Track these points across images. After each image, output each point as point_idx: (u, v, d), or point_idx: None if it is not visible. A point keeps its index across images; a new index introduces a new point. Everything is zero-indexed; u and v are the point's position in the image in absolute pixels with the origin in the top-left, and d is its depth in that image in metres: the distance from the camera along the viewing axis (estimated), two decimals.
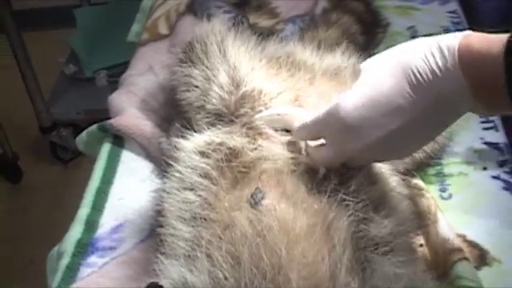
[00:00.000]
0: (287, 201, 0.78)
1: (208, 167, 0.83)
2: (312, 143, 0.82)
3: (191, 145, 0.87)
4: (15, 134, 2.61)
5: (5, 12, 2.35)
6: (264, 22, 1.38)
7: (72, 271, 0.92)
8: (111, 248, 0.95)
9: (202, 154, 0.85)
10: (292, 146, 0.85)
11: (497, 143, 1.03)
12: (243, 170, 0.82)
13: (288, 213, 0.76)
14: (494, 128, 1.06)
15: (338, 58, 1.04)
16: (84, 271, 0.92)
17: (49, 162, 2.65)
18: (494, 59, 0.66)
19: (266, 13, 1.41)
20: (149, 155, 1.09)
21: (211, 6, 1.44)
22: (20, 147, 2.62)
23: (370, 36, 1.24)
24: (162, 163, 0.98)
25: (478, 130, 1.05)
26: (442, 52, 0.70)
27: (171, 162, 0.87)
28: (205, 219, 0.78)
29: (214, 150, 0.85)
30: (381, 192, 0.81)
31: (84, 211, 1.01)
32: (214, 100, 0.91)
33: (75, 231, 0.98)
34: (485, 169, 1.00)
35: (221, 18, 1.39)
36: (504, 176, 0.98)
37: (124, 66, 2.55)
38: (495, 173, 0.99)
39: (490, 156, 1.02)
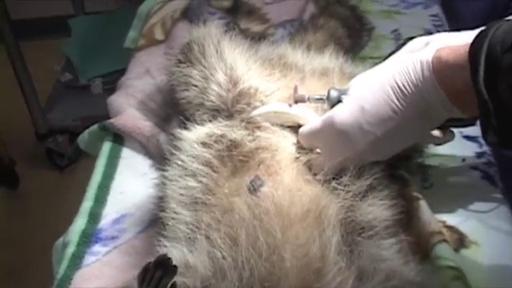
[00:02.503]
0: (284, 188, 0.84)
1: (210, 156, 0.89)
2: None
3: (193, 136, 0.93)
4: (12, 140, 2.64)
5: (3, 22, 2.39)
6: (255, 28, 1.44)
7: (77, 259, 0.97)
8: (113, 238, 1.00)
9: (204, 144, 0.91)
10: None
11: (475, 136, 1.09)
12: (243, 158, 0.89)
13: (284, 199, 0.82)
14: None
15: (326, 59, 1.10)
16: (88, 259, 0.97)
17: (45, 168, 2.68)
18: (461, 68, 0.74)
19: (257, 18, 1.47)
20: (147, 152, 1.14)
21: (204, 12, 1.49)
22: (17, 153, 2.65)
23: (355, 39, 1.30)
24: (160, 158, 1.05)
25: None
26: (419, 66, 0.79)
27: (173, 151, 0.93)
28: (205, 204, 0.84)
29: (215, 141, 0.91)
30: (367, 183, 0.88)
31: (87, 204, 1.06)
32: (212, 97, 0.97)
33: (80, 222, 1.03)
34: (464, 160, 1.06)
35: (215, 22, 1.45)
36: (482, 167, 1.04)
37: (118, 73, 2.62)
38: (474, 164, 1.05)
39: (469, 148, 1.07)
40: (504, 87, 0.69)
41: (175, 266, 0.71)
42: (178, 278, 0.72)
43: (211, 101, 0.97)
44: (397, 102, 0.81)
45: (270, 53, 1.13)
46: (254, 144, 0.90)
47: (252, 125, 0.93)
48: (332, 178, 0.86)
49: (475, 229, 0.95)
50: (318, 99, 0.93)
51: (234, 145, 0.90)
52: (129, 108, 1.20)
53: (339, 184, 0.85)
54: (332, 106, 0.89)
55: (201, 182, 0.87)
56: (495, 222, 0.96)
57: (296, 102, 0.94)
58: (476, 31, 0.75)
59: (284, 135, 0.93)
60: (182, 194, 0.87)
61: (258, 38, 1.35)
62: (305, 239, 0.79)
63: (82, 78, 2.79)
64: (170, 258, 0.72)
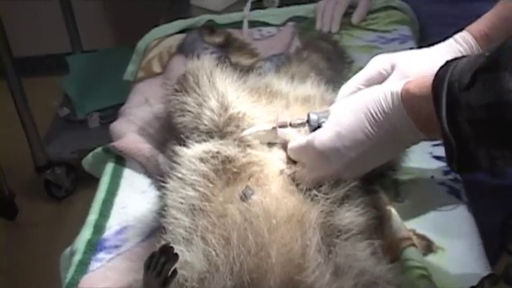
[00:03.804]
0: (271, 196, 0.96)
1: (207, 169, 1.00)
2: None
3: (192, 152, 1.03)
4: (12, 172, 2.71)
5: (6, 59, 2.47)
6: (245, 61, 1.55)
7: (84, 265, 1.06)
8: (117, 246, 1.10)
9: (201, 159, 1.02)
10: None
11: (442, 156, 1.19)
12: (236, 171, 1.00)
13: (271, 205, 0.94)
14: (441, 144, 1.23)
15: (309, 88, 1.20)
16: (94, 265, 1.07)
17: (43, 200, 2.75)
18: (426, 100, 0.84)
19: (247, 53, 1.57)
20: (147, 172, 1.24)
21: (198, 47, 1.58)
22: (16, 185, 2.71)
23: (336, 71, 1.42)
24: (159, 177, 1.15)
25: (428, 146, 1.22)
26: (390, 96, 0.90)
27: (174, 166, 1.04)
28: (202, 210, 0.95)
29: (212, 157, 1.01)
30: (343, 191, 0.99)
31: (92, 217, 1.16)
32: (205, 121, 1.07)
33: (86, 233, 1.13)
34: (432, 177, 1.17)
35: (208, 56, 1.57)
36: (448, 182, 1.15)
37: (115, 107, 2.71)
38: (441, 180, 1.16)
39: (437, 166, 1.18)
40: (463, 122, 0.78)
41: (176, 254, 0.82)
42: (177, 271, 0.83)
43: (204, 124, 1.07)
44: (369, 128, 0.92)
45: (258, 82, 1.23)
46: (245, 159, 1.01)
47: (243, 143, 1.04)
48: (313, 187, 0.97)
49: (441, 236, 1.05)
50: (299, 124, 1.04)
51: (228, 160, 1.01)
52: (129, 133, 1.30)
53: (319, 192, 0.96)
54: (312, 129, 1.01)
55: (198, 191, 0.97)
56: (460, 230, 1.07)
57: (279, 127, 1.06)
58: (434, 51, 0.87)
59: (271, 151, 1.04)
60: (181, 203, 0.98)
61: (246, 70, 1.47)
62: (288, 239, 0.90)
63: (80, 113, 2.87)
64: (172, 247, 0.83)
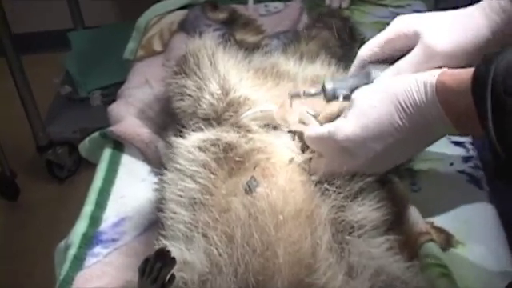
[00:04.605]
0: (278, 189, 0.88)
1: (207, 158, 0.93)
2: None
3: (189, 142, 0.97)
4: (13, 153, 2.65)
5: (5, 36, 2.41)
6: (250, 38, 1.48)
7: (79, 260, 1.00)
8: (114, 240, 1.03)
9: (200, 148, 0.95)
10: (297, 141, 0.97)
11: (462, 142, 1.13)
12: (239, 160, 0.93)
13: (278, 199, 0.86)
14: None
15: (318, 68, 1.14)
16: (90, 260, 1.00)
17: (45, 180, 2.70)
18: (464, 95, 0.77)
19: (252, 30, 1.50)
20: (146, 158, 1.18)
21: (201, 24, 1.52)
22: (17, 166, 2.66)
23: (347, 48, 1.34)
24: (158, 164, 1.08)
25: None
26: (422, 88, 0.83)
27: (171, 157, 0.97)
28: (203, 204, 0.88)
29: (211, 145, 0.95)
30: (358, 186, 0.92)
31: (88, 208, 1.10)
32: (204, 106, 1.01)
33: (81, 226, 1.06)
34: (451, 164, 1.10)
35: (211, 35, 1.50)
36: (469, 170, 1.08)
37: (117, 85, 2.65)
38: (461, 168, 1.09)
39: (456, 153, 1.11)
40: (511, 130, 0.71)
41: (174, 258, 0.75)
42: (176, 273, 0.76)
43: (203, 109, 1.01)
44: (399, 121, 0.85)
45: (264, 62, 1.18)
46: (248, 146, 0.94)
47: (242, 128, 0.97)
48: (324, 180, 0.90)
49: (461, 229, 0.98)
50: (313, 93, 0.97)
51: (229, 147, 0.94)
52: (128, 116, 1.24)
53: (331, 186, 0.89)
54: (328, 99, 0.94)
55: (199, 183, 0.91)
56: (481, 223, 1.00)
57: (292, 97, 0.98)
58: (463, 17, 0.85)
59: (278, 137, 0.97)
60: (180, 196, 0.91)
61: (252, 49, 1.40)
62: (297, 236, 0.83)
63: (82, 91, 2.81)
64: (169, 251, 0.76)
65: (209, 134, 0.97)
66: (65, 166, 2.72)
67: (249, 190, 0.88)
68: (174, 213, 0.89)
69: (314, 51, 1.28)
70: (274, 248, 0.80)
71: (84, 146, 1.30)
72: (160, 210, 0.93)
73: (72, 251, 1.02)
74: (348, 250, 0.85)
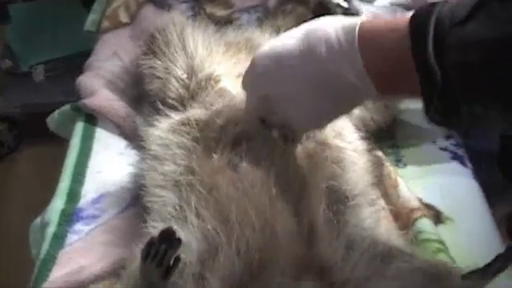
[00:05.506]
0: (263, 163, 0.85)
1: (183, 139, 0.89)
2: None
3: (158, 131, 0.93)
4: None
5: None
6: (220, 12, 1.45)
7: (60, 238, 0.96)
8: (95, 216, 0.99)
9: (174, 131, 0.91)
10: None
11: None
12: (214, 135, 0.89)
13: (265, 173, 0.83)
14: None
15: None
16: (71, 238, 0.96)
17: None
18: (395, 42, 0.68)
19: (221, 3, 1.47)
20: (123, 133, 1.13)
21: None
22: None
23: None
24: (137, 140, 1.04)
25: None
26: (341, 30, 0.74)
27: (145, 145, 0.94)
28: (188, 185, 0.83)
29: (182, 124, 0.91)
30: (341, 150, 0.91)
31: (65, 184, 1.05)
32: (171, 94, 0.99)
33: (58, 203, 1.02)
34: (434, 142, 1.10)
35: (179, 7, 1.45)
36: (451, 147, 1.08)
37: (61, 60, 2.55)
38: (443, 145, 1.09)
39: (438, 131, 1.11)
40: (450, 63, 0.65)
41: (179, 239, 0.71)
42: None
43: (171, 98, 0.98)
44: (301, 55, 0.77)
45: (238, 36, 1.15)
46: (220, 120, 0.90)
47: (208, 104, 0.95)
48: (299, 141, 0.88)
49: (450, 206, 0.99)
50: None
51: (202, 124, 0.91)
52: (101, 89, 1.19)
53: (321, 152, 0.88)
54: None
55: (180, 164, 0.87)
56: (467, 198, 1.01)
57: None
58: None
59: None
60: (162, 180, 0.87)
61: (224, 23, 1.37)
62: (293, 210, 0.80)
63: (23, 65, 2.68)
64: (174, 231, 0.71)
65: (177, 116, 0.94)
66: (5, 143, 2.59)
67: (232, 166, 0.85)
68: (160, 196, 0.85)
69: (291, 25, 1.24)
70: (272, 223, 0.77)
71: (53, 119, 1.24)
72: (143, 196, 0.89)
73: (51, 229, 0.97)
74: (344, 221, 0.83)
